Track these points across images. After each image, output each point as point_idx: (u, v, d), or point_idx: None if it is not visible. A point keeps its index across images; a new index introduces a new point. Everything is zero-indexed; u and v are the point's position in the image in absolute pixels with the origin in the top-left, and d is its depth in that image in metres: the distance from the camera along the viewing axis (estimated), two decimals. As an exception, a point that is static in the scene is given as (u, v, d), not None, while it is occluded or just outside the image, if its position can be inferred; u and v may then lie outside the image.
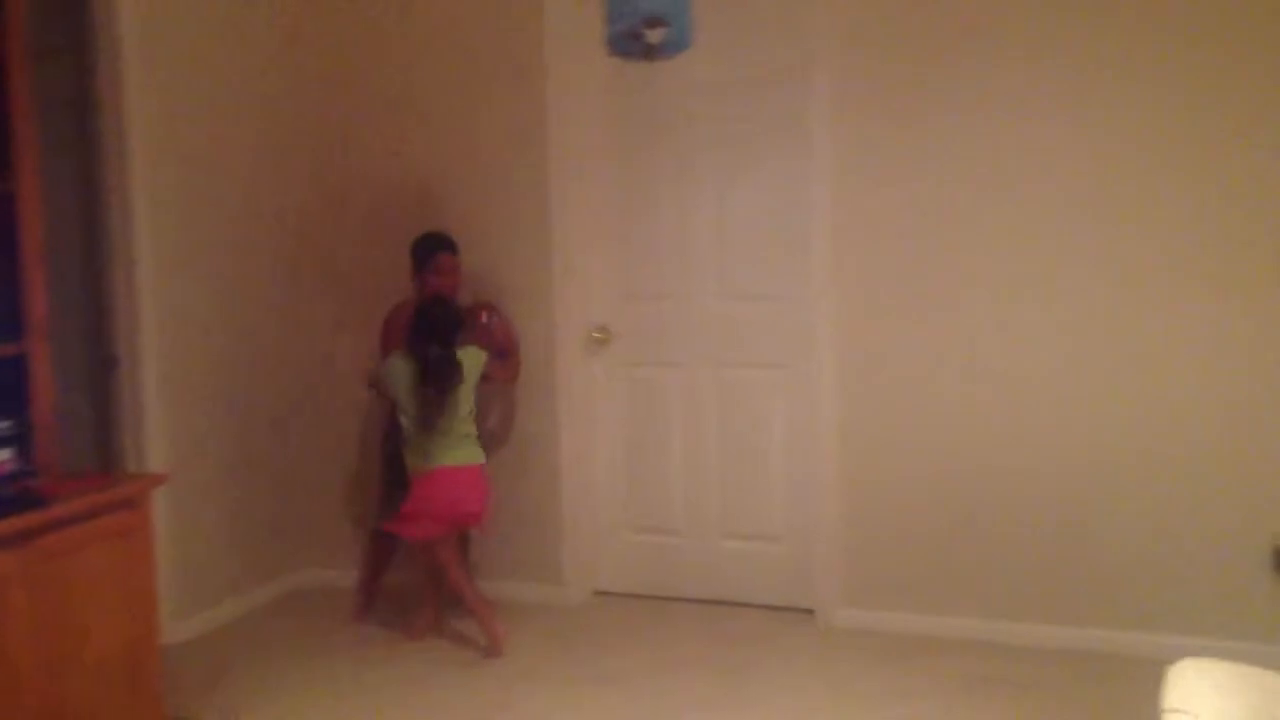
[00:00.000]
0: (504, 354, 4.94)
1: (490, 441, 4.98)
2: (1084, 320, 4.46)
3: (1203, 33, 4.23)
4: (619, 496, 5.28)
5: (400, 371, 4.58)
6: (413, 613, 4.96)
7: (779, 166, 4.89)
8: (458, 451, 4.61)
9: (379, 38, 5.29)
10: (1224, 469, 4.32)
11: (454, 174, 5.21)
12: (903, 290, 4.67)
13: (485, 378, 4.70)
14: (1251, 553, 4.30)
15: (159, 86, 4.75)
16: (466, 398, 4.62)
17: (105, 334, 4.75)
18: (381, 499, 5.05)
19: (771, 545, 5.07)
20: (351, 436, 5.47)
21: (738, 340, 5.04)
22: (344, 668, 4.57)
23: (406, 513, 4.62)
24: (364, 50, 5.32)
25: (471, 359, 4.64)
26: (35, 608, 3.21)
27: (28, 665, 3.18)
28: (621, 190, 5.14)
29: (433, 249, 4.87)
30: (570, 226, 5.10)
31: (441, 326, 4.59)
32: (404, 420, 4.62)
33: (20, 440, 3.50)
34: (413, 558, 5.03)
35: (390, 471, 4.92)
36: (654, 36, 4.98)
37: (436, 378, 4.54)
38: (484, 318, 4.95)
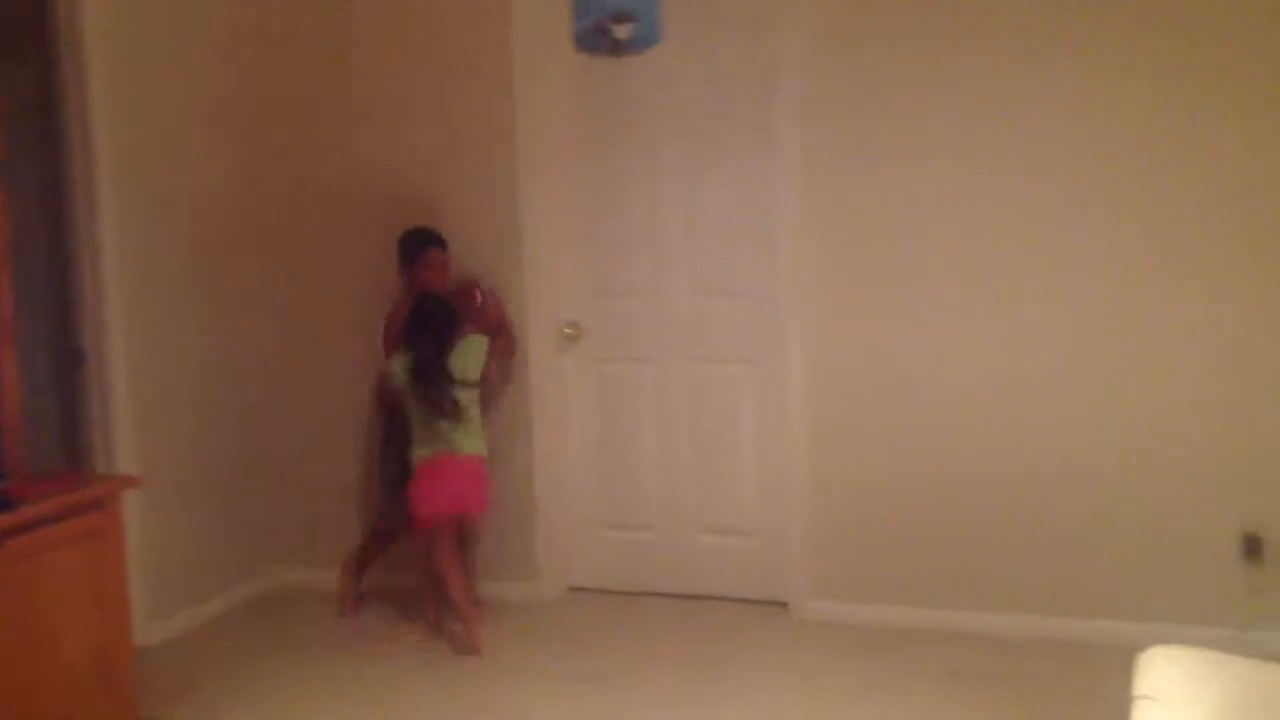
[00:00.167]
0: (500, 331, 4.94)
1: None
2: (1053, 312, 4.48)
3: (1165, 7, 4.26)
4: (592, 492, 5.28)
5: (400, 369, 4.64)
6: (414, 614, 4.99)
7: (749, 162, 4.89)
8: (462, 442, 4.67)
9: (346, 35, 5.26)
10: (1193, 457, 4.35)
11: (422, 170, 5.19)
12: (871, 285, 4.69)
13: (490, 357, 4.77)
14: (1221, 540, 4.33)
15: (123, 85, 4.72)
16: (471, 388, 4.69)
17: (72, 329, 4.71)
18: (383, 499, 5.04)
19: (745, 539, 5.07)
20: (327, 433, 5.44)
21: (709, 336, 5.04)
22: (320, 668, 4.55)
23: (414, 499, 4.67)
24: (331, 47, 5.28)
25: (475, 348, 4.69)
26: (3, 611, 3.18)
27: (-3, 669, 3.16)
28: (591, 186, 5.13)
29: (422, 244, 4.85)
30: (540, 223, 5.09)
31: (435, 323, 4.63)
32: (408, 411, 4.68)
33: (-13, 443, 3.47)
34: (406, 560, 5.07)
35: (391, 472, 4.91)
36: (622, 32, 4.97)
37: (425, 377, 4.58)
38: (478, 299, 4.93)
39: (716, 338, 5.03)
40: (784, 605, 4.94)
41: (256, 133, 5.39)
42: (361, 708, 4.19)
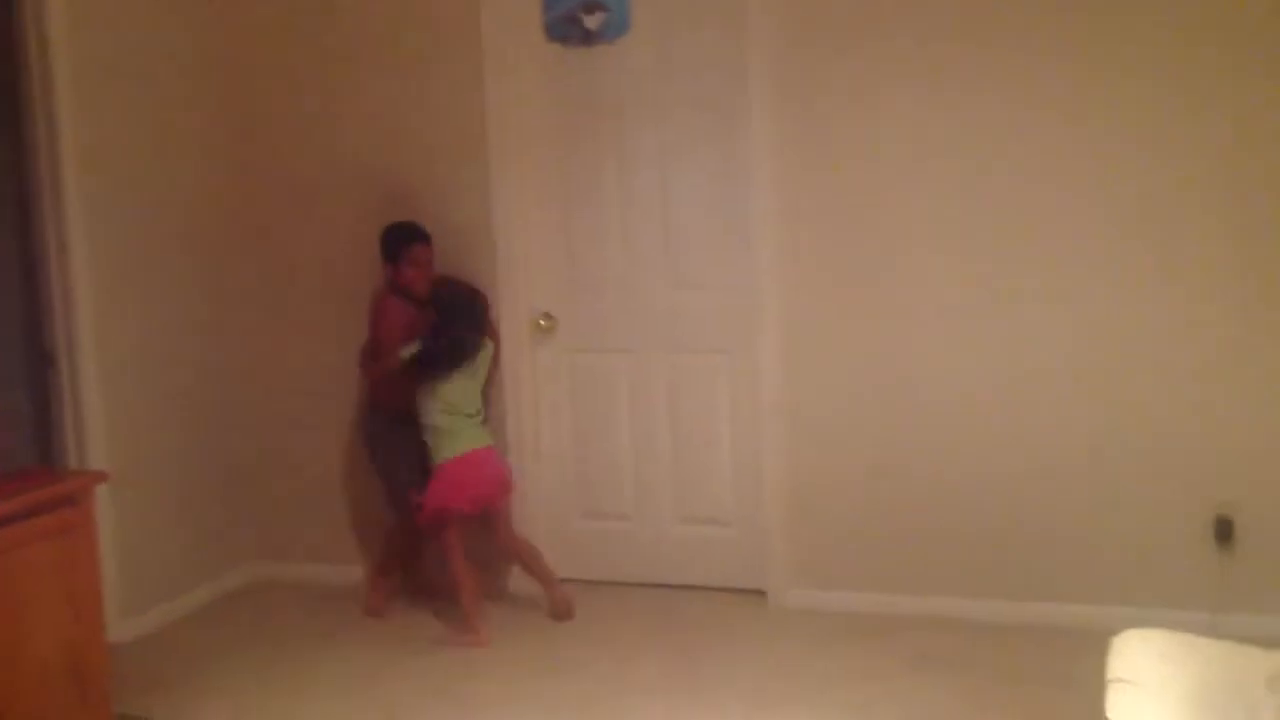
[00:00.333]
0: (495, 335, 4.96)
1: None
2: (1025, 300, 4.49)
3: None
4: (568, 483, 5.27)
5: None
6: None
7: (722, 151, 4.88)
8: (482, 435, 4.79)
9: (315, 26, 5.22)
10: (1165, 441, 4.38)
11: (394, 162, 5.16)
12: (845, 273, 4.70)
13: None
14: (1193, 524, 4.36)
15: (90, 83, 4.68)
16: (481, 382, 4.79)
17: (41, 329, 4.68)
18: (397, 496, 4.93)
19: (722, 528, 5.08)
20: (301, 428, 5.41)
21: (683, 326, 5.03)
22: (295, 662, 4.54)
23: (438, 494, 4.68)
24: (301, 39, 5.25)
25: (486, 353, 4.79)
26: (-25, 608, 3.17)
27: (-31, 667, 3.14)
28: (563, 176, 5.12)
29: (406, 240, 4.80)
30: (512, 214, 5.07)
31: (468, 312, 4.73)
32: (428, 405, 4.67)
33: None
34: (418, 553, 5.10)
35: (404, 468, 4.85)
36: (592, 22, 4.96)
37: (461, 354, 4.68)
38: (487, 303, 4.93)
39: (691, 328, 5.03)
40: (762, 594, 4.94)
41: (227, 129, 5.35)
42: (337, 701, 4.18)
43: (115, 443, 4.77)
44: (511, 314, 5.07)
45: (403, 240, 4.80)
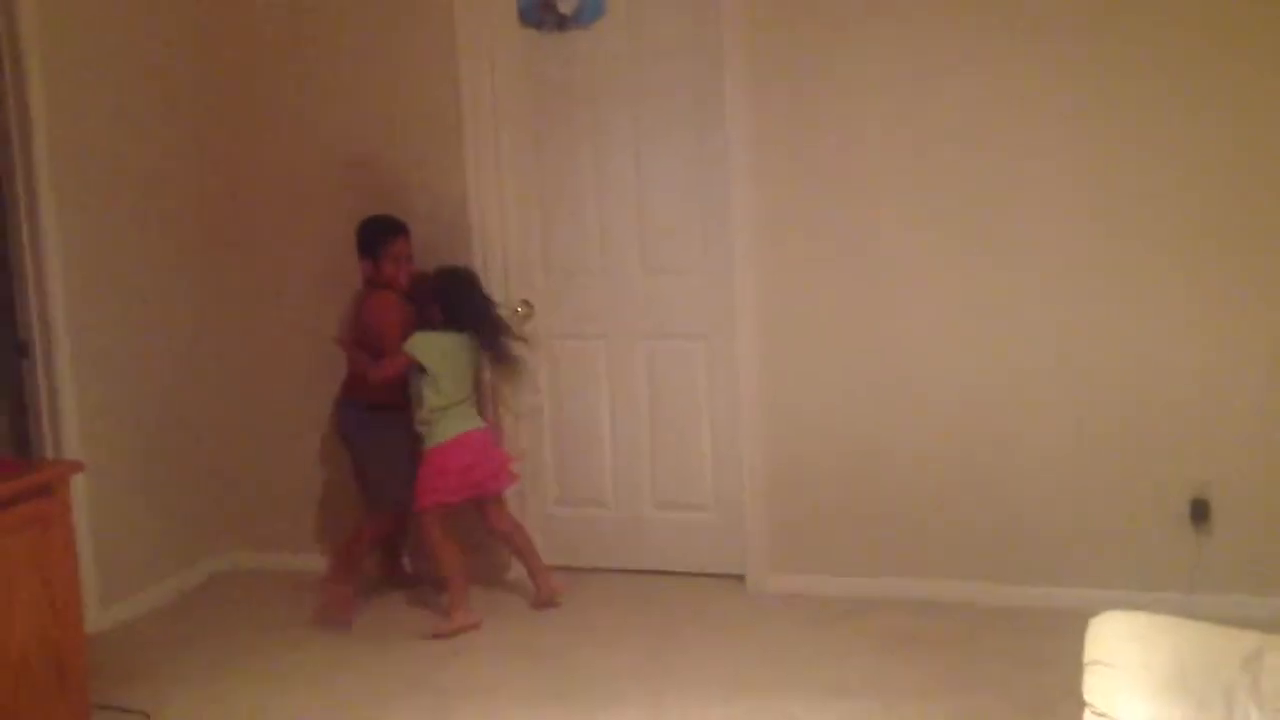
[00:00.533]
0: None
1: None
2: (1005, 282, 4.50)
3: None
4: (547, 470, 5.26)
5: (440, 345, 4.67)
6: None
7: (698, 135, 4.87)
8: (475, 417, 4.81)
9: (290, 15, 5.19)
10: (1142, 424, 4.40)
11: (369, 152, 5.14)
12: (823, 258, 4.70)
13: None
14: (1169, 505, 4.38)
15: (63, 73, 4.65)
16: (474, 366, 4.84)
17: (15, 321, 4.65)
18: (378, 489, 4.84)
19: (702, 513, 5.08)
20: (276, 417, 5.40)
21: (661, 311, 5.03)
22: (272, 651, 4.53)
23: (432, 479, 4.67)
24: (275, 27, 5.22)
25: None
26: (-49, 600, 3.15)
27: (-55, 659, 3.13)
28: (539, 163, 5.10)
29: (387, 233, 4.75)
30: (489, 201, 5.06)
31: (478, 295, 4.78)
32: (430, 395, 4.65)
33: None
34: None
35: (386, 460, 4.81)
36: (566, 6, 4.94)
37: (494, 336, 4.76)
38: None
39: (669, 313, 5.02)
40: (741, 579, 4.95)
41: (201, 120, 5.32)
42: (312, 689, 4.18)
43: (90, 433, 4.75)
44: (489, 302, 5.06)
45: (383, 234, 4.75)
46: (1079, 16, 4.32)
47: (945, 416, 4.61)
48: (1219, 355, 4.30)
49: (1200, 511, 4.34)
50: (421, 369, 4.64)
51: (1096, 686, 2.32)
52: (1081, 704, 2.32)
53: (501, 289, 5.08)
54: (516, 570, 5.06)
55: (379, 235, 4.75)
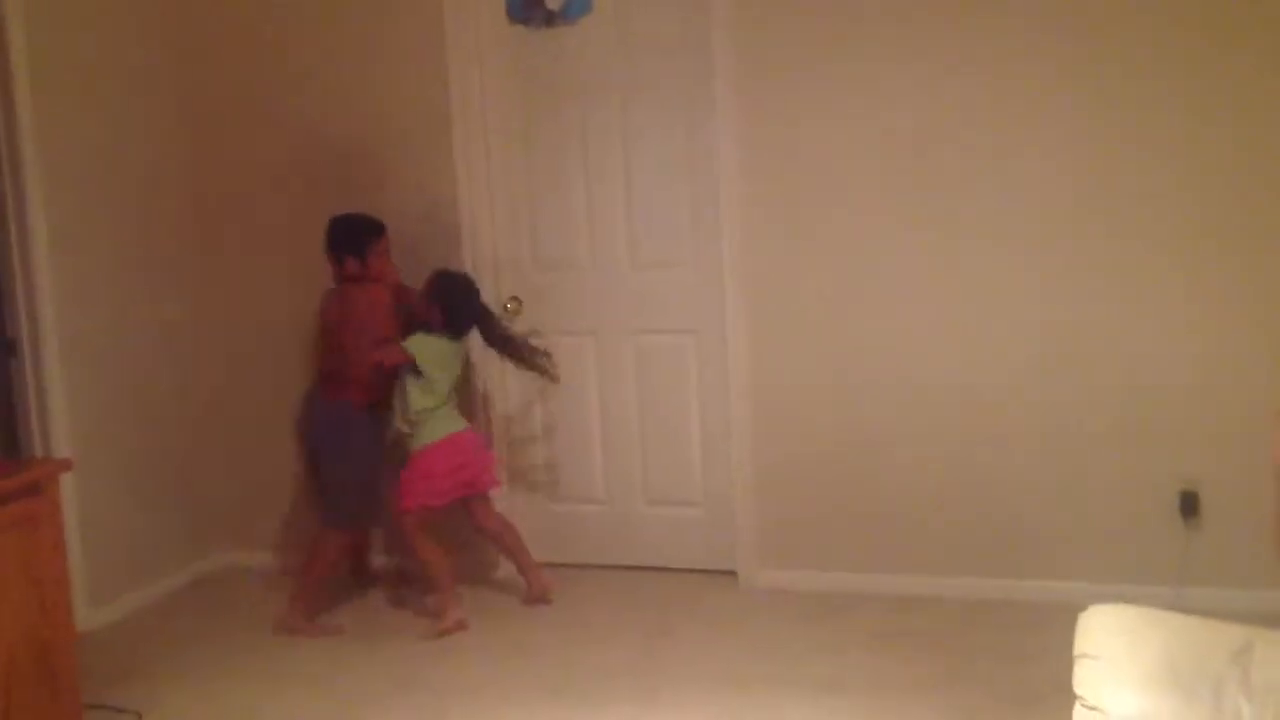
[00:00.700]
0: None
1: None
2: (996, 280, 4.51)
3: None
4: (538, 466, 5.26)
5: (438, 349, 4.66)
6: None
7: (686, 130, 4.87)
8: (459, 419, 4.77)
9: (278, 12, 5.19)
10: (1130, 417, 4.40)
11: (359, 149, 5.13)
12: (813, 251, 4.70)
13: None
14: (1158, 499, 4.39)
15: (50, 69, 4.64)
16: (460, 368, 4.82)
17: (3, 318, 4.63)
18: (335, 499, 4.76)
19: (693, 509, 5.09)
20: (266, 415, 5.38)
21: (651, 307, 5.03)
22: (262, 650, 4.53)
23: (416, 481, 4.65)
24: (263, 25, 5.21)
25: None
26: (-61, 601, 3.14)
27: (-66, 661, 3.12)
28: (528, 159, 5.10)
29: (372, 232, 4.72)
30: (478, 198, 5.06)
31: (482, 303, 4.77)
32: (418, 396, 4.63)
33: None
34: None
35: (373, 463, 4.76)
36: (554, 2, 4.94)
37: (505, 339, 4.75)
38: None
39: (659, 309, 5.02)
40: (733, 574, 4.95)
41: (189, 117, 5.32)
42: (303, 688, 4.17)
43: (79, 431, 4.74)
44: (478, 297, 5.06)
45: (367, 233, 4.73)
46: (1077, 15, 4.32)
47: (936, 412, 4.61)
48: (1209, 349, 4.31)
49: (1190, 505, 4.35)
50: (417, 371, 4.62)
51: (1086, 680, 2.32)
52: (1071, 697, 2.33)
53: (491, 285, 5.08)
54: (505, 569, 5.06)
55: (365, 233, 4.73)
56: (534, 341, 4.77)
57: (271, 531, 5.41)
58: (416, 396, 4.64)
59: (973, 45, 4.44)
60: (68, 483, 4.12)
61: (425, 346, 4.64)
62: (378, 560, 5.26)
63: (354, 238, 4.73)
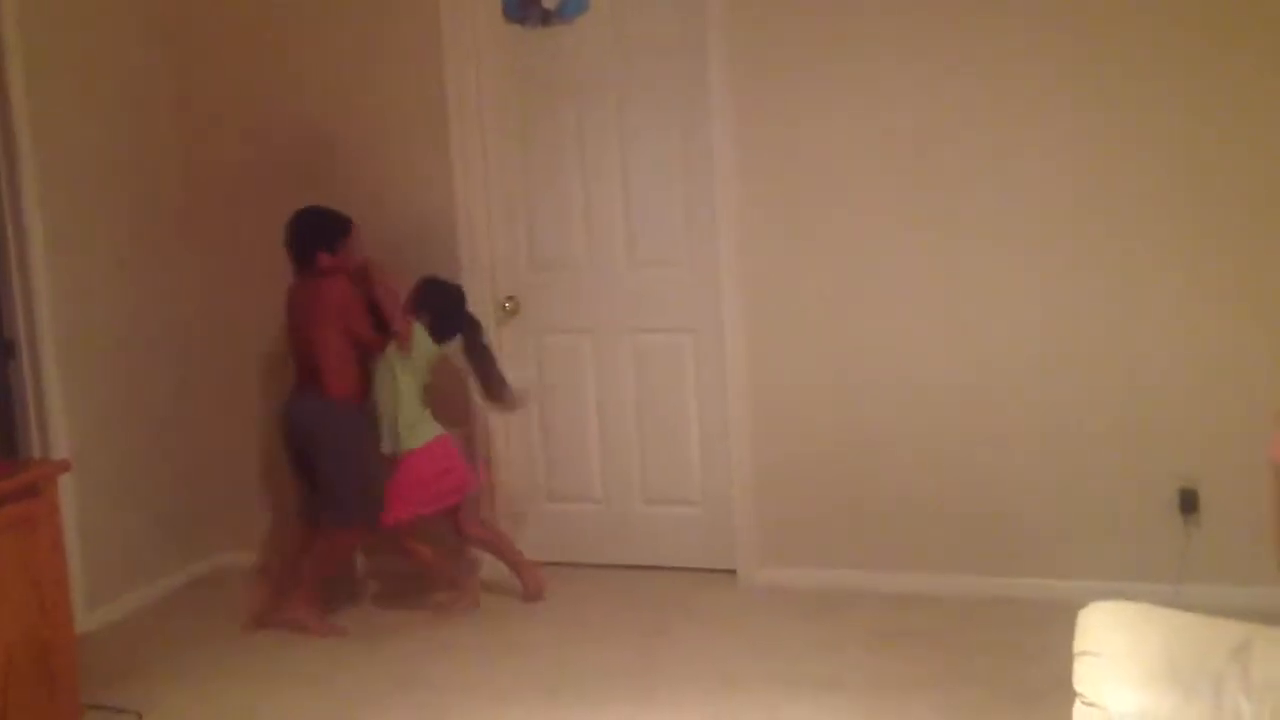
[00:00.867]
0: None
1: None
2: (995, 278, 4.51)
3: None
4: (537, 466, 5.26)
5: (432, 347, 4.69)
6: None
7: (683, 129, 4.87)
8: (437, 423, 4.75)
9: (275, 11, 5.18)
10: (1130, 415, 4.40)
11: (357, 148, 5.13)
12: (810, 250, 4.70)
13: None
14: (1158, 496, 4.38)
15: (45, 67, 4.63)
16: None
17: (2, 318, 4.62)
18: (354, 498, 4.67)
19: (692, 508, 5.08)
20: (265, 416, 5.37)
21: (648, 306, 5.03)
22: (261, 650, 4.52)
23: (409, 489, 4.64)
24: (262, 21, 5.21)
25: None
26: (-62, 602, 3.14)
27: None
28: (525, 157, 5.10)
29: (347, 227, 4.69)
30: (474, 196, 5.05)
31: (471, 316, 4.81)
32: (411, 395, 4.65)
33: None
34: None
35: (361, 465, 4.68)
36: (550, 1, 4.94)
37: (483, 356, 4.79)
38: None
39: (656, 308, 5.02)
40: (732, 573, 4.95)
41: (186, 112, 5.31)
42: (302, 688, 4.17)
43: (78, 432, 4.73)
44: (476, 298, 5.03)
45: (342, 228, 4.68)
46: (1077, 15, 4.32)
47: (936, 411, 4.61)
48: (1209, 348, 4.31)
49: (1189, 502, 4.35)
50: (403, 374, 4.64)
51: (1086, 677, 2.33)
52: (1071, 694, 2.33)
53: (488, 284, 5.08)
54: (494, 569, 5.03)
55: (340, 229, 4.68)
56: (518, 391, 4.83)
57: (270, 533, 5.40)
58: (408, 396, 4.64)
59: (973, 45, 4.44)
60: (66, 484, 4.12)
61: (426, 340, 4.68)
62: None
63: (325, 231, 4.68)
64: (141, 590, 5.05)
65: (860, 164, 4.60)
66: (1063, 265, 4.43)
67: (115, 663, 4.42)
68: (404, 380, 4.64)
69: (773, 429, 4.81)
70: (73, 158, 4.76)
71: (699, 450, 5.02)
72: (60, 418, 4.66)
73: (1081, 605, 2.53)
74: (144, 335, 5.12)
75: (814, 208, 4.67)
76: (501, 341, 5.14)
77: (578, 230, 5.07)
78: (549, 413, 5.21)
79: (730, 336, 4.81)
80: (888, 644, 4.24)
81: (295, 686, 4.17)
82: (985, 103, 4.45)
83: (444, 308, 4.74)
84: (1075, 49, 4.34)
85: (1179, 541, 4.35)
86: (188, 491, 5.35)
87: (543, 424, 5.23)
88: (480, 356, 4.77)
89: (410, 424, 4.65)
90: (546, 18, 4.96)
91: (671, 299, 4.99)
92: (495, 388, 4.78)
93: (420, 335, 4.66)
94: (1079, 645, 2.40)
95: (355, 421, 4.70)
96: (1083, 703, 2.29)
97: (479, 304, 5.04)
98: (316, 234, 4.68)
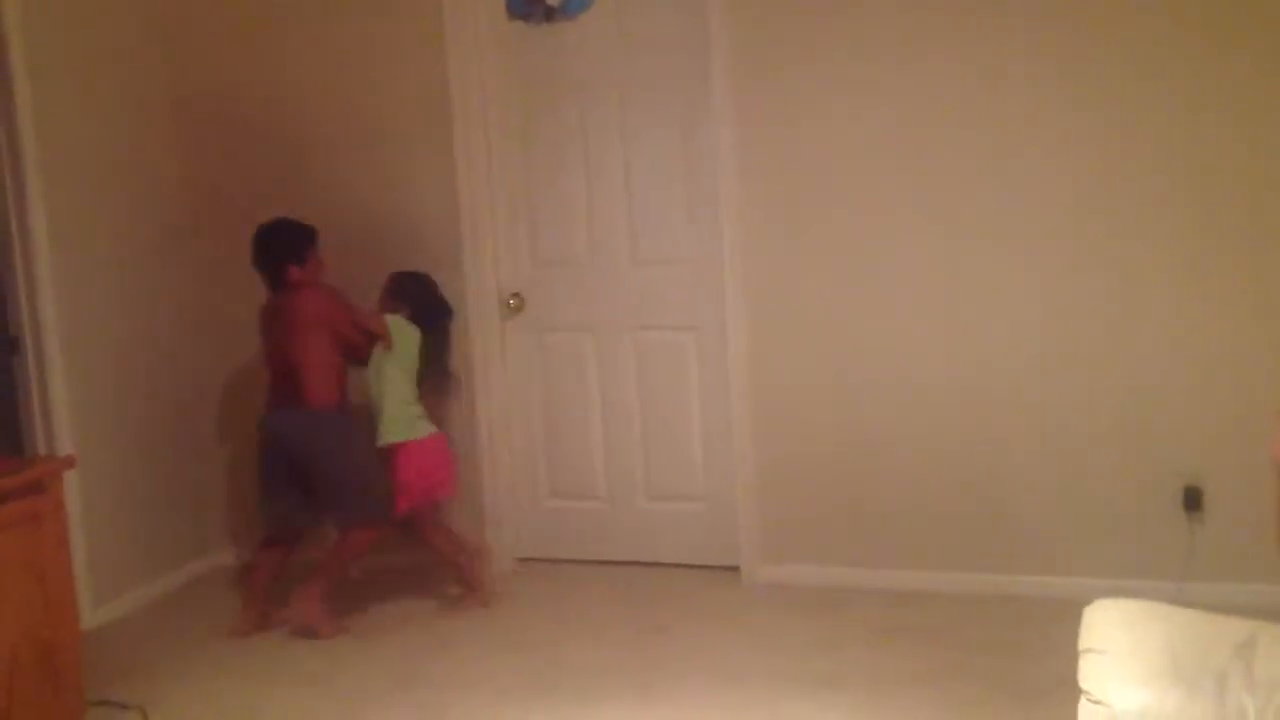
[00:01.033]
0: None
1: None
2: (996, 277, 4.52)
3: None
4: (540, 463, 5.27)
5: (413, 335, 4.70)
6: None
7: (685, 126, 4.88)
8: (427, 421, 4.76)
9: (278, 8, 5.19)
10: (1131, 414, 4.41)
11: (360, 146, 5.13)
12: (813, 248, 4.70)
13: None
14: (1162, 494, 4.39)
15: (48, 65, 4.64)
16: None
17: (5, 317, 4.63)
18: (366, 496, 4.64)
19: (695, 505, 5.09)
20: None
21: (651, 303, 5.04)
22: (264, 648, 4.53)
23: (413, 481, 4.66)
24: (263, 19, 5.21)
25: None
26: (-56, 598, 3.15)
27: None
28: (528, 154, 5.11)
29: (309, 236, 4.67)
30: (478, 194, 5.05)
31: (445, 302, 4.85)
32: (404, 387, 4.66)
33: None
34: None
35: (366, 462, 4.66)
36: (554, -1, 4.96)
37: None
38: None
39: (659, 305, 5.03)
40: (735, 570, 4.95)
41: (189, 111, 5.31)
42: (304, 686, 4.17)
43: (82, 428, 4.74)
44: (480, 294, 5.06)
45: (307, 237, 4.66)
46: (1077, 15, 4.33)
47: (936, 407, 4.62)
48: (1209, 347, 4.32)
49: (1193, 499, 4.36)
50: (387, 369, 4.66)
51: (1091, 674, 2.33)
52: (1073, 692, 2.33)
53: (491, 281, 5.09)
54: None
55: (306, 237, 4.67)
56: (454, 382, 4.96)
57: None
58: (404, 387, 4.66)
59: (973, 45, 4.45)
60: (70, 480, 4.13)
61: (405, 330, 4.68)
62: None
63: (291, 243, 4.65)
64: (145, 587, 5.06)
65: (860, 164, 4.61)
66: (1062, 265, 4.44)
67: (120, 659, 4.42)
68: (390, 372, 4.65)
69: (774, 427, 4.82)
70: (74, 157, 4.77)
71: (701, 448, 5.03)
72: (64, 414, 4.67)
73: (1084, 603, 2.54)
74: (148, 332, 5.12)
75: (814, 207, 4.68)
76: (505, 338, 5.16)
77: (580, 228, 5.08)
78: (552, 410, 5.22)
79: (732, 335, 4.82)
80: (889, 641, 4.25)
81: (298, 684, 4.18)
82: (985, 103, 4.46)
83: (422, 296, 4.77)
84: (1075, 49, 4.35)
85: (1183, 539, 4.36)
86: (192, 488, 5.36)
87: (546, 421, 5.23)
88: (441, 339, 4.82)
89: (399, 414, 4.66)
90: (549, 14, 4.97)
91: (673, 297, 5.00)
92: (442, 369, 4.84)
93: (402, 326, 4.67)
94: (1084, 642, 2.41)
95: (343, 424, 4.68)
96: (1088, 700, 2.29)
97: (484, 302, 5.06)
98: (283, 248, 4.65)
